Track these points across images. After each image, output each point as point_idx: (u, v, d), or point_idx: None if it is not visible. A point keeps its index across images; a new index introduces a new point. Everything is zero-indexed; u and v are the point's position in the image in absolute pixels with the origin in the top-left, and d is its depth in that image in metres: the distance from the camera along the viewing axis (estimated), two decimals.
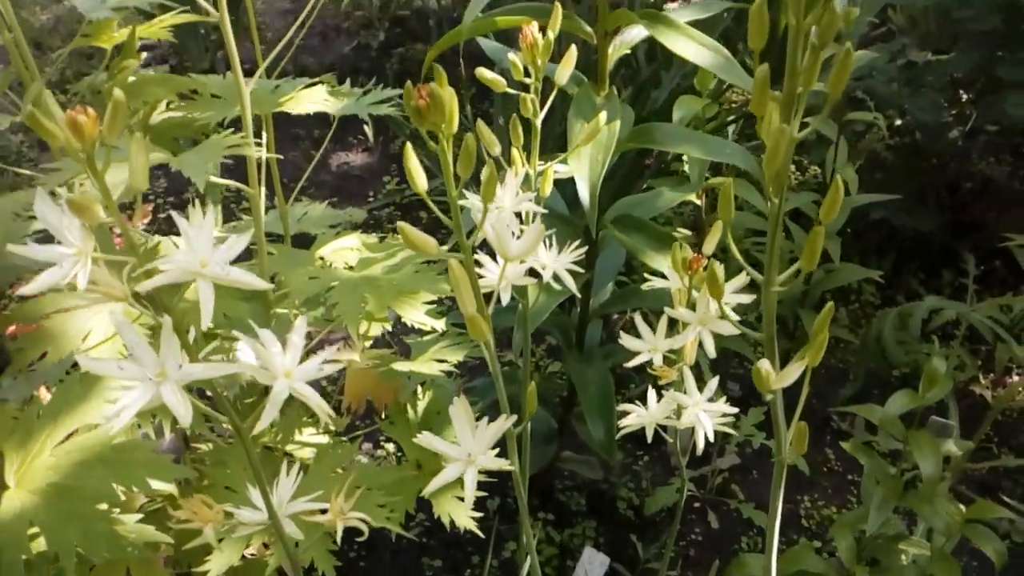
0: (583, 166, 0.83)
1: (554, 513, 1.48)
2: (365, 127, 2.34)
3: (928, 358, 1.74)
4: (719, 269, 0.55)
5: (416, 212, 2.13)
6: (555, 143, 1.36)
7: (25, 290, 0.40)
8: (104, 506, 0.61)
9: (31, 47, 0.83)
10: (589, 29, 0.92)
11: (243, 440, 0.53)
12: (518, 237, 0.68)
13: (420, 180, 0.47)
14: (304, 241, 1.00)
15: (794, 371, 0.53)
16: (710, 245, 0.72)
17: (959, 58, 1.63)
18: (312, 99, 0.86)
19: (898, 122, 1.91)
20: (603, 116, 0.76)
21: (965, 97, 1.93)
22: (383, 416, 1.11)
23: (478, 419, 0.57)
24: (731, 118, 1.71)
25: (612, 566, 1.32)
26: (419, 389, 1.05)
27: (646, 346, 0.78)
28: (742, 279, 0.72)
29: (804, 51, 0.43)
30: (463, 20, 0.87)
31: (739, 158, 0.98)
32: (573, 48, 0.75)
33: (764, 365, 0.52)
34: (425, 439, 0.56)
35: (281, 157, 0.87)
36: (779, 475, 0.61)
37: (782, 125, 0.44)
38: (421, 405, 1.05)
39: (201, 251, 0.44)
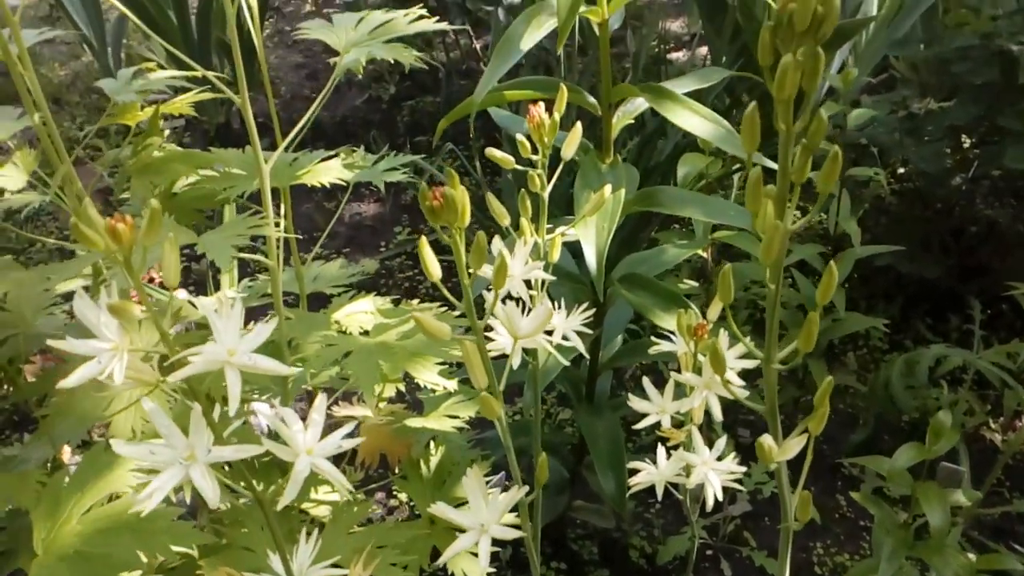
0: (590, 234, 0.86)
1: (566, 562, 1.49)
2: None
3: (936, 403, 1.76)
4: (722, 347, 0.57)
5: None
6: (564, 203, 1.39)
7: (64, 384, 0.43)
8: (128, 574, 0.63)
9: (49, 103, 0.87)
10: (593, 100, 0.96)
11: (263, 508, 0.55)
12: (527, 309, 0.71)
13: (435, 269, 0.50)
14: (319, 300, 1.03)
15: (795, 445, 0.55)
16: (714, 312, 0.75)
17: (959, 109, 1.66)
18: (328, 172, 0.89)
19: (901, 170, 1.94)
20: (608, 188, 0.79)
21: (968, 143, 1.96)
22: (396, 470, 1.13)
23: (490, 475, 0.59)
24: (736, 167, 1.75)
25: None
26: (431, 444, 1.07)
27: (654, 408, 0.81)
28: (743, 348, 0.75)
29: (794, 153, 0.46)
30: (476, 90, 0.90)
31: (741, 220, 1.01)
32: (578, 125, 0.79)
33: (767, 440, 0.55)
34: (440, 510, 0.58)
35: (298, 211, 0.90)
36: (785, 541, 0.63)
37: (776, 221, 0.46)
38: (434, 460, 1.07)
39: (229, 341, 0.47)
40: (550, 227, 0.96)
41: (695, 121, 0.88)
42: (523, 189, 0.76)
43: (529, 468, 1.54)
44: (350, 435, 0.55)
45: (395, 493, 1.63)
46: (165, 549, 0.65)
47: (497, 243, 0.82)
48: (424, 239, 0.49)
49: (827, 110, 1.28)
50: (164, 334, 0.46)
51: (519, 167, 0.76)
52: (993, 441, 1.73)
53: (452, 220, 0.47)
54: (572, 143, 0.79)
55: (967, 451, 1.60)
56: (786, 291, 1.49)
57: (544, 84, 0.96)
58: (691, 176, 1.35)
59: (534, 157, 0.77)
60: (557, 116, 0.74)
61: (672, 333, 0.82)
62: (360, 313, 0.93)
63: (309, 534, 0.63)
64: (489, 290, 0.55)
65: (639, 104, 0.97)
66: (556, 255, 0.80)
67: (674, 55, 3.08)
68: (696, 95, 0.98)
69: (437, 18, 0.82)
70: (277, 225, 0.80)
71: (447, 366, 0.92)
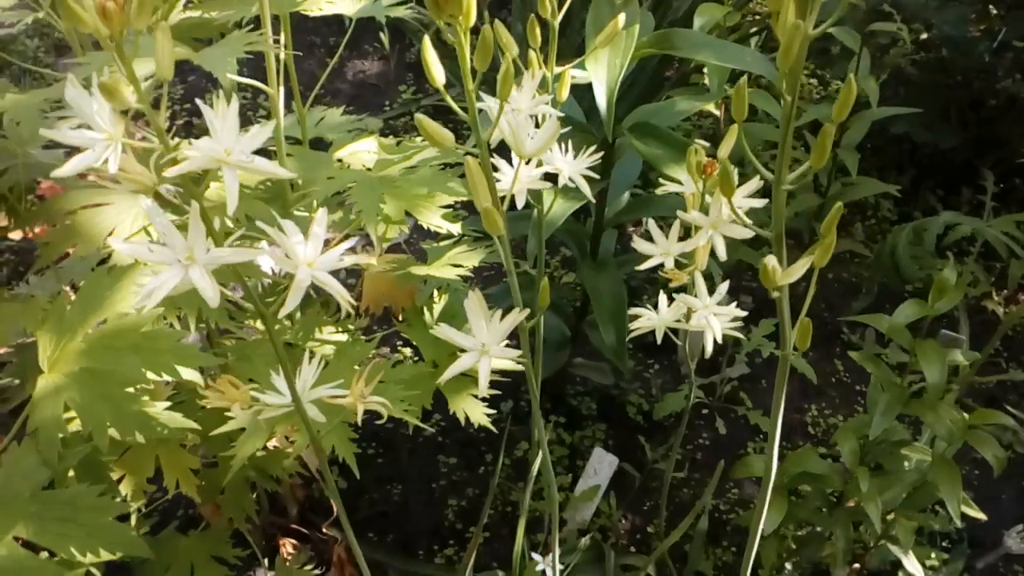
0: (601, 69, 0.83)
1: (565, 416, 1.52)
2: (381, 35, 2.31)
3: (941, 273, 1.75)
4: (731, 168, 0.56)
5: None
6: (573, 54, 1.34)
7: (58, 172, 0.42)
8: (135, 389, 0.64)
9: None
10: None
11: (267, 326, 0.55)
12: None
13: (438, 73, 0.48)
14: (321, 147, 1.01)
15: (800, 267, 0.54)
16: (725, 149, 0.73)
17: None
18: (331, 1, 0.85)
19: (924, 36, 1.87)
20: (622, 18, 0.76)
21: (995, 12, 1.89)
22: (400, 320, 1.14)
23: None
24: (754, 30, 1.69)
25: (620, 466, 1.36)
26: (435, 293, 1.08)
27: (658, 250, 0.80)
28: (755, 183, 0.73)
29: None
30: None
31: (759, 66, 0.97)
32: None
33: (771, 261, 0.54)
34: (442, 331, 0.58)
35: (299, 54, 0.87)
36: (783, 370, 0.64)
37: (796, 21, 0.44)
38: (437, 308, 1.07)
39: (226, 139, 0.46)
40: (559, 66, 0.93)
41: None
42: (533, 16, 0.73)
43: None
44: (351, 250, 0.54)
45: (399, 348, 1.65)
46: (170, 369, 0.65)
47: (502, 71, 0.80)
48: (427, 38, 0.47)
49: None
50: (159, 130, 0.45)
51: None
52: (995, 312, 1.74)
53: (456, 13, 0.45)
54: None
55: (968, 320, 1.61)
56: (797, 153, 1.46)
57: None
58: (707, 28, 1.30)
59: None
60: None
61: (681, 185, 0.80)
62: (363, 152, 0.92)
63: (312, 357, 0.64)
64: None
65: None
66: (565, 93, 0.77)
67: None
68: None
69: None
70: (277, 52, 0.77)
71: (451, 208, 0.91)
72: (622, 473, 1.39)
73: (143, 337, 0.65)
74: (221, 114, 0.46)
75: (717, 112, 1.40)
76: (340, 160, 0.90)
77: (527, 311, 0.59)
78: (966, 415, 1.10)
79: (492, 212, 0.50)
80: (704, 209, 0.77)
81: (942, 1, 1.75)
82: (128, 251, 0.45)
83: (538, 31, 0.73)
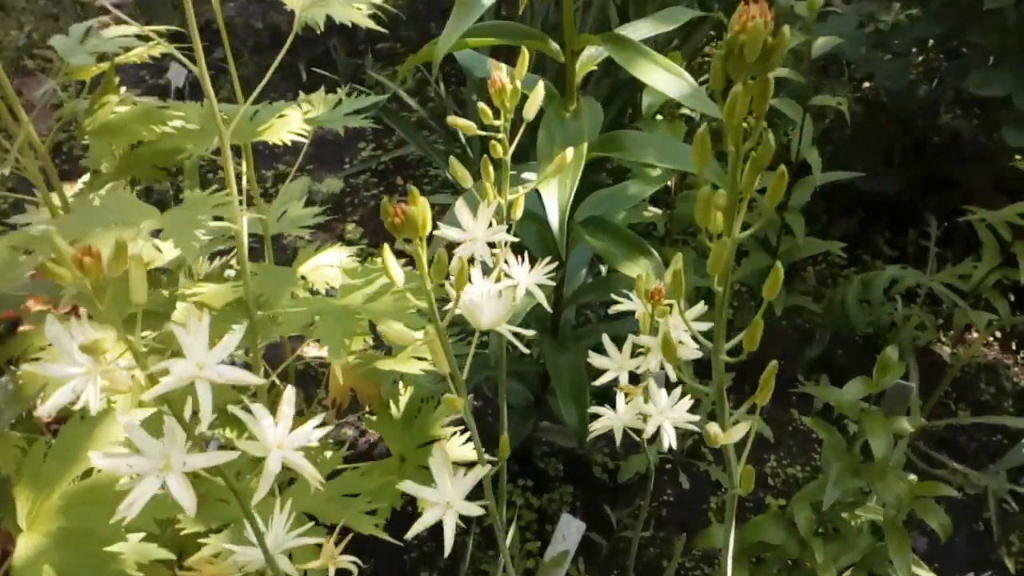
0: (552, 191, 0.87)
1: (533, 479, 1.56)
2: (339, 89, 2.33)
3: (891, 319, 1.82)
4: (671, 334, 0.59)
5: (392, 178, 2.16)
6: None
7: (41, 411, 0.44)
8: (114, 547, 0.66)
9: None
10: (556, 47, 0.95)
11: (241, 503, 0.58)
12: (488, 268, 0.73)
13: (398, 277, 0.51)
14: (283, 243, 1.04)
15: (741, 429, 0.58)
16: (670, 275, 0.77)
17: (925, 24, 1.65)
18: (288, 125, 0.88)
19: (866, 85, 1.94)
20: (569, 152, 0.80)
21: (934, 55, 1.96)
22: (367, 409, 1.17)
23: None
24: (704, 77, 1.74)
25: (587, 534, 1.40)
26: (400, 384, 1.11)
27: (613, 364, 0.84)
28: (701, 308, 0.78)
29: (742, 171, 0.47)
30: (439, 42, 0.89)
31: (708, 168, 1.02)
32: (540, 86, 0.79)
33: (712, 428, 0.58)
34: (409, 488, 0.61)
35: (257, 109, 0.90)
36: (731, 507, 0.67)
37: (724, 239, 0.48)
38: (403, 400, 1.10)
39: (198, 354, 0.48)
40: (514, 174, 0.96)
41: (658, 75, 0.88)
42: (486, 156, 0.76)
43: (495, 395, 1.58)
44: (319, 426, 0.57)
45: (366, 431, 1.68)
46: (148, 523, 0.67)
47: (459, 205, 0.83)
48: (387, 249, 0.50)
49: (792, 38, 1.27)
50: (137, 353, 0.47)
51: (482, 132, 0.76)
52: (943, 355, 1.81)
53: (413, 235, 0.48)
54: (533, 105, 0.79)
55: (917, 364, 1.68)
56: (749, 215, 1.51)
57: (507, 30, 0.94)
58: (655, 107, 1.35)
59: (496, 122, 0.77)
60: (519, 83, 0.74)
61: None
62: (326, 267, 0.94)
63: (283, 503, 0.66)
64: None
65: (602, 50, 0.96)
66: (519, 213, 0.81)
67: None
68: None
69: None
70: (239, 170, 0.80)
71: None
72: (588, 540, 1.43)
73: (119, 494, 0.67)
74: (193, 329, 0.49)
75: (669, 183, 1.45)
76: (304, 277, 0.93)
77: (489, 467, 0.62)
78: (913, 478, 1.16)
79: (453, 399, 0.54)
80: (654, 329, 0.81)
81: (882, 52, 1.82)
82: (108, 466, 0.48)
83: (491, 168, 0.77)
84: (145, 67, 2.48)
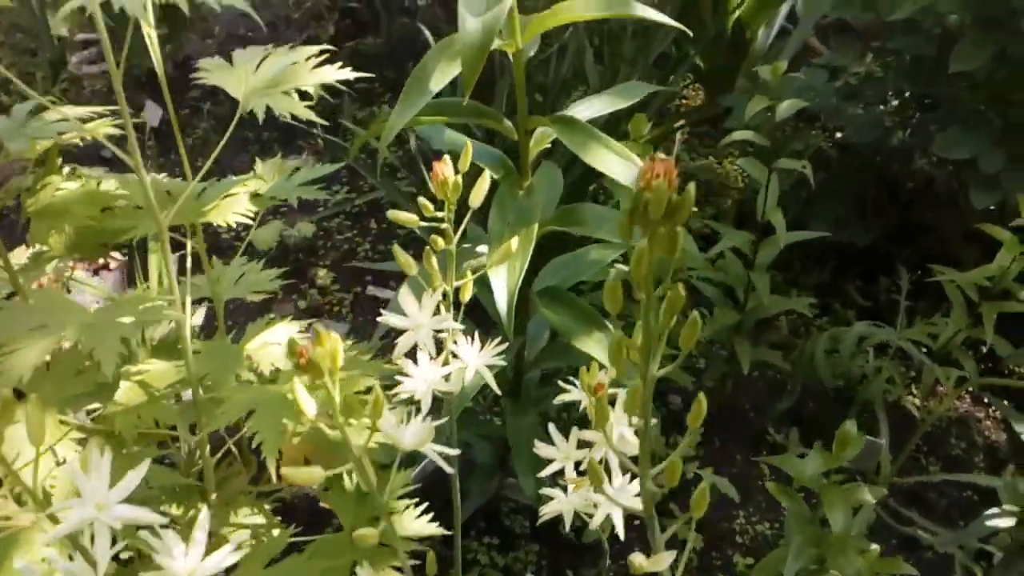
0: (500, 276, 0.86)
1: (499, 536, 1.54)
2: (315, 133, 2.33)
3: (862, 371, 1.81)
4: (604, 404, 0.58)
5: (366, 221, 2.15)
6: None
7: None
8: None
9: None
10: (510, 125, 0.94)
11: None
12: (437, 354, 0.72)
13: (310, 409, 0.50)
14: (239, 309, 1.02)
15: (666, 558, 0.57)
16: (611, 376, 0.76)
17: (895, 80, 1.66)
18: (236, 207, 0.87)
19: (839, 134, 1.94)
20: (514, 242, 0.79)
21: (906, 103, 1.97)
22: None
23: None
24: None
25: None
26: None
27: (559, 455, 0.83)
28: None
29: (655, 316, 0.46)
30: (388, 124, 0.88)
31: None
32: (486, 175, 0.78)
33: (637, 559, 0.56)
34: None
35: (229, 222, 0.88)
36: None
37: (638, 381, 0.47)
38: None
39: (98, 495, 0.47)
40: (469, 247, 0.96)
41: (607, 158, 0.87)
42: (428, 247, 0.75)
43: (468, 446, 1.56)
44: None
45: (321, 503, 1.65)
46: None
47: (403, 293, 0.82)
48: (298, 382, 0.49)
49: (755, 104, 1.27)
50: (35, 495, 0.46)
51: (424, 223, 0.75)
52: (914, 408, 1.80)
53: (318, 376, 0.47)
54: (479, 194, 0.78)
55: (887, 418, 1.67)
56: (717, 272, 1.51)
57: (460, 108, 0.94)
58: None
59: (439, 214, 0.76)
60: (459, 177, 0.73)
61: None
62: (274, 345, 0.93)
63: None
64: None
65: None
66: (467, 296, 0.80)
67: None
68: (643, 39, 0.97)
69: (340, 64, 0.79)
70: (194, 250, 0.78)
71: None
72: None
73: None
74: (94, 466, 0.47)
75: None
76: (250, 356, 0.91)
77: None
78: (876, 548, 1.15)
79: (365, 533, 0.52)
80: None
81: (854, 103, 1.82)
82: None
83: (435, 259, 0.76)
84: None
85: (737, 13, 2.13)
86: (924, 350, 1.59)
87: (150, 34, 0.75)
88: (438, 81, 0.80)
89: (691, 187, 0.41)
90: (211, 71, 0.77)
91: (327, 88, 2.44)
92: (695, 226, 2.11)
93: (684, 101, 2.54)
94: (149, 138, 2.35)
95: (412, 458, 1.30)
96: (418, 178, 1.94)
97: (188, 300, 0.88)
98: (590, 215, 1.02)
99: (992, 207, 1.45)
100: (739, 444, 1.73)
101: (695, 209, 1.85)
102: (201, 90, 2.49)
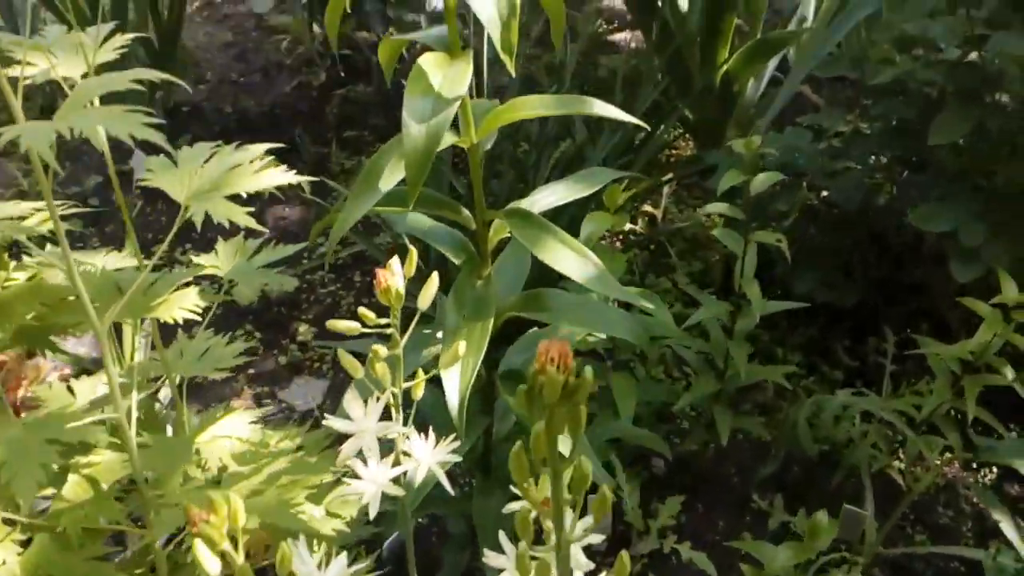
0: (453, 375, 0.84)
1: None
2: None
3: (848, 435, 1.78)
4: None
5: (350, 274, 2.13)
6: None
7: None
8: None
9: None
10: (468, 215, 0.92)
11: None
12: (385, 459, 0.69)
13: (212, 569, 0.48)
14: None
15: None
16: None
17: (878, 143, 1.65)
18: (184, 303, 0.85)
19: (824, 193, 1.93)
20: (462, 345, 0.77)
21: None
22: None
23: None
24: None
25: None
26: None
27: (509, 565, 0.80)
28: (589, 521, 0.74)
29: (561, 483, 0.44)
30: (338, 221, 0.86)
31: (623, 328, 0.99)
32: (434, 277, 0.76)
33: None
34: None
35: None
36: None
37: (550, 552, 0.45)
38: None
39: None
40: (428, 332, 0.94)
41: (562, 254, 0.85)
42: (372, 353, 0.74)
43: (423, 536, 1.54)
44: None
45: None
46: None
47: (349, 397, 0.80)
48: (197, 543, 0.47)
49: (728, 180, 1.26)
50: None
51: (366, 330, 0.73)
52: (900, 474, 1.77)
53: (217, 547, 0.45)
54: (427, 296, 0.77)
55: (872, 486, 1.63)
56: (695, 340, 1.49)
57: (418, 198, 0.92)
58: (595, 236, 1.33)
59: (382, 321, 0.74)
60: (402, 287, 0.72)
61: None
62: (225, 438, 0.91)
63: None
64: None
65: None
66: (419, 394, 0.78)
67: (617, 36, 3.01)
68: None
69: (285, 167, 0.78)
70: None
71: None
72: None
73: None
74: None
75: None
76: (199, 451, 0.89)
77: None
78: None
79: None
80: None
81: (838, 164, 1.81)
82: None
83: (380, 364, 0.74)
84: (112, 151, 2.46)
85: (725, 67, 2.12)
86: (908, 420, 1.56)
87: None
88: (388, 181, 0.79)
89: (588, 372, 0.39)
90: (155, 172, 0.76)
91: (315, 137, 2.44)
92: (681, 281, 2.09)
93: (675, 151, 2.53)
94: (137, 189, 2.35)
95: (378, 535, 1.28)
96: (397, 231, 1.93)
97: (134, 397, 0.86)
98: (554, 301, 1.00)
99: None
100: (722, 511, 1.70)
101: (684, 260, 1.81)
102: (190, 137, 2.49)
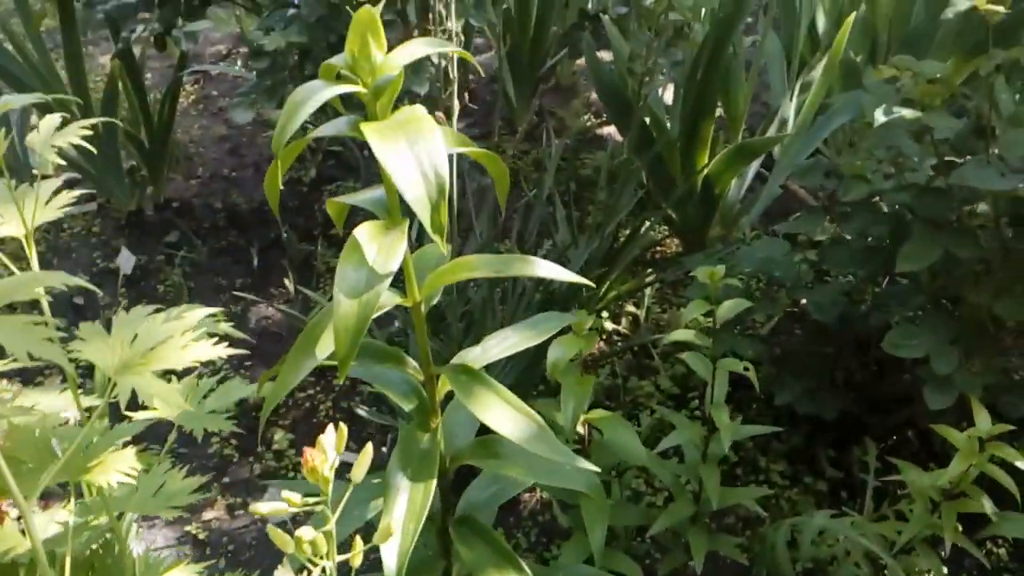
0: (391, 545, 0.82)
1: None
2: (286, 280, 2.33)
3: (831, 552, 1.74)
4: None
5: (330, 376, 2.12)
6: None
7: None
8: None
9: None
10: (415, 366, 0.92)
11: None
12: None
13: None
14: None
15: None
16: None
17: (851, 262, 1.64)
18: (120, 464, 0.84)
19: (803, 301, 1.92)
20: (396, 521, 0.75)
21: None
22: None
23: None
24: None
25: None
26: None
27: None
28: None
29: None
30: (274, 386, 0.85)
31: (580, 480, 0.98)
32: (368, 449, 0.75)
33: None
34: None
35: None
36: None
37: None
38: None
39: None
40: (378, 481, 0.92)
41: (502, 414, 0.84)
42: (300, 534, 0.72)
43: None
44: None
45: None
46: None
47: (281, 572, 0.78)
48: None
49: (696, 308, 1.25)
50: None
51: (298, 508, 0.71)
52: None
53: None
54: (360, 470, 0.75)
55: None
56: (668, 464, 1.47)
57: (362, 350, 0.92)
58: (562, 362, 1.32)
59: (311, 500, 0.73)
60: (330, 467, 0.70)
61: None
62: None
63: None
64: None
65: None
66: (357, 563, 0.76)
67: (605, 129, 3.04)
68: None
69: (232, 323, 0.78)
70: None
71: None
72: None
73: None
74: None
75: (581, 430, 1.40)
76: None
77: None
78: None
79: None
80: None
81: (817, 274, 1.81)
82: None
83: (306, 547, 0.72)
84: (98, 249, 2.49)
85: (705, 171, 2.14)
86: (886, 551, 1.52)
87: None
88: (324, 348, 0.78)
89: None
90: (86, 342, 0.75)
91: (303, 234, 2.44)
92: (664, 385, 2.07)
93: (660, 248, 2.53)
94: (122, 285, 2.35)
95: None
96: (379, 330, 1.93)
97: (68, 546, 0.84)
98: (506, 448, 0.98)
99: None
100: None
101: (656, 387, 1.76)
102: (179, 234, 2.51)
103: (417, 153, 0.68)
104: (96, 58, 3.47)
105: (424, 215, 0.68)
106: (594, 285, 0.94)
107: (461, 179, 2.25)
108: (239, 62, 3.41)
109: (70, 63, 2.28)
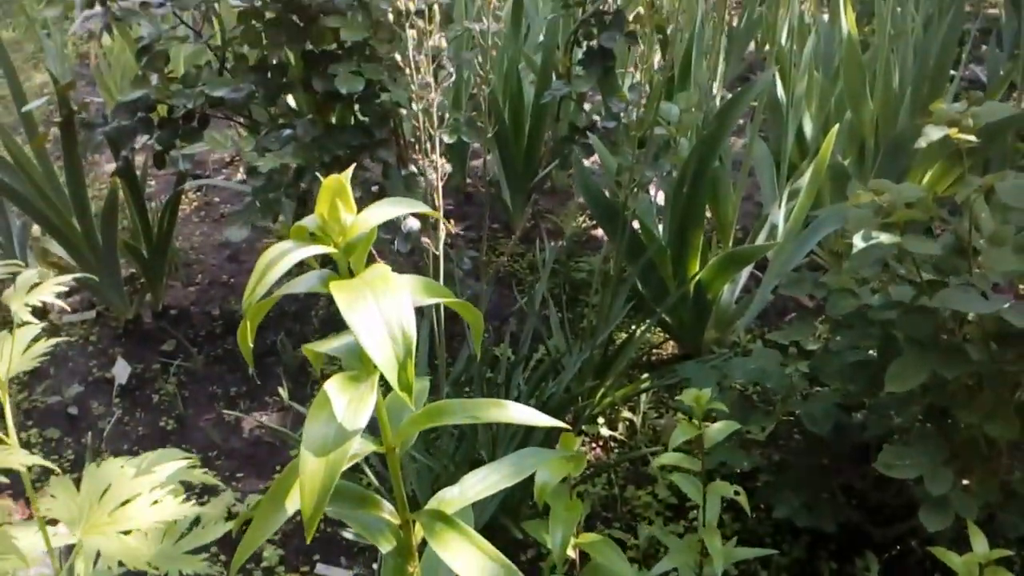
0: None
1: None
2: (280, 388, 2.32)
3: None
4: None
5: None
6: None
7: None
8: None
9: None
10: (392, 509, 0.91)
11: None
12: None
13: None
14: None
15: None
16: None
17: (838, 379, 1.63)
18: None
19: (798, 411, 1.90)
20: None
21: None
22: None
23: None
24: None
25: None
26: None
27: None
28: None
29: None
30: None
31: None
32: None
33: None
34: None
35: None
36: None
37: None
38: None
39: None
40: None
41: (475, 562, 0.83)
42: None
43: None
44: None
45: None
46: None
47: None
48: None
49: (681, 434, 1.24)
50: None
51: None
52: None
53: None
54: None
55: None
56: None
57: (336, 498, 0.91)
58: (551, 485, 1.30)
59: None
60: None
61: None
62: None
63: None
64: None
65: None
66: None
67: (599, 231, 3.07)
68: None
69: (205, 469, 0.77)
70: None
71: None
72: None
73: None
74: None
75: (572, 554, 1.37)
76: None
77: None
78: None
79: None
80: None
81: (810, 384, 1.80)
82: None
83: None
84: (94, 358, 2.49)
85: (697, 277, 2.15)
86: None
87: None
88: (295, 502, 0.77)
89: None
90: (56, 497, 0.75)
91: (298, 341, 2.43)
92: (662, 494, 2.04)
93: (656, 351, 2.53)
94: (116, 395, 2.35)
95: None
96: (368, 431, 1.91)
97: None
98: None
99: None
100: None
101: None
102: (176, 343, 2.52)
103: (385, 313, 0.69)
104: (101, 165, 3.55)
105: (391, 376, 0.68)
106: (570, 428, 0.93)
107: (454, 287, 2.27)
108: (242, 168, 3.48)
109: (70, 177, 2.33)
